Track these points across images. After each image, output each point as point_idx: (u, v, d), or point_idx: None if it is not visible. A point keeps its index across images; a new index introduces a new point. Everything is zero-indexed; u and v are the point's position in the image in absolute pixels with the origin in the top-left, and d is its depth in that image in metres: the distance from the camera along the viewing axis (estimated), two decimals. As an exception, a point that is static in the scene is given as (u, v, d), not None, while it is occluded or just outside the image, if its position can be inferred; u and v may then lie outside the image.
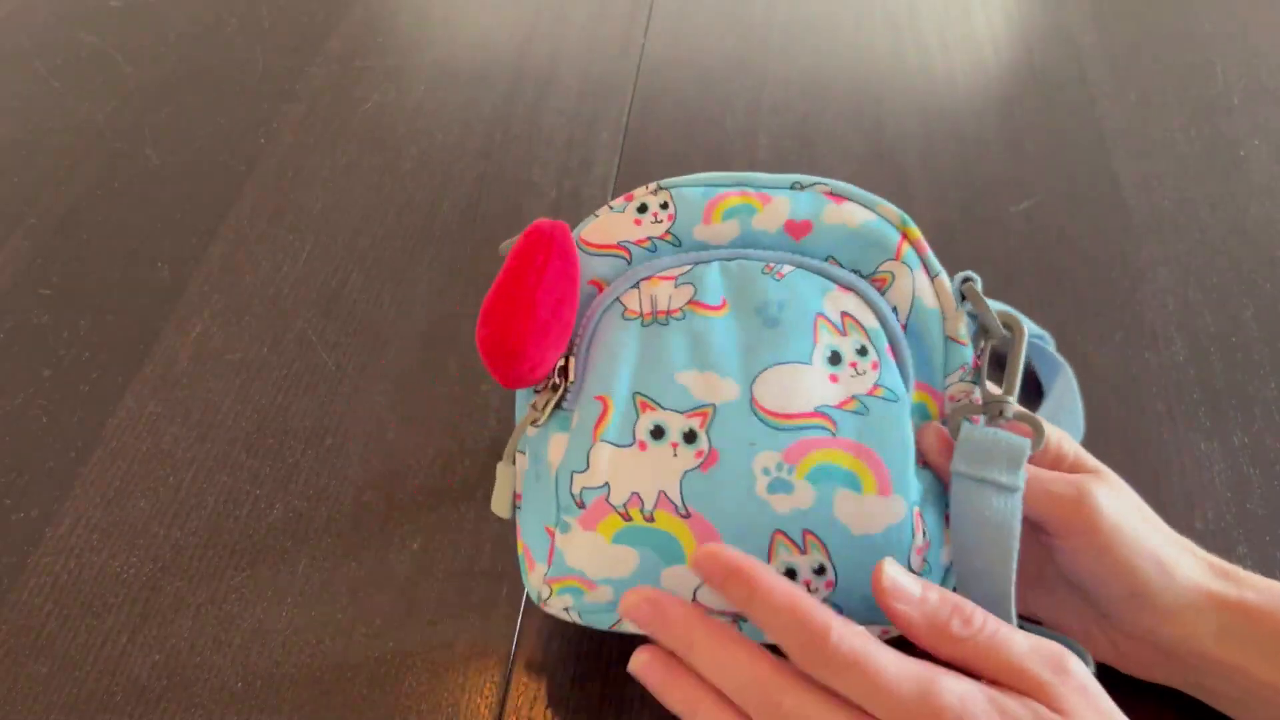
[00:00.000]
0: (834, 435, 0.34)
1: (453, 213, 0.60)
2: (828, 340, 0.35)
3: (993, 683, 0.28)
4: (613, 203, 0.39)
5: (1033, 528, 0.36)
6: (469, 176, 0.63)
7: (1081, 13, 0.76)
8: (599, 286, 0.38)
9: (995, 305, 0.38)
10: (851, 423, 0.34)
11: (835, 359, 0.35)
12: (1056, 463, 0.38)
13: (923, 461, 0.36)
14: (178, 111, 0.68)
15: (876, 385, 0.35)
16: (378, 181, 0.63)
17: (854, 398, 0.34)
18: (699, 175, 0.39)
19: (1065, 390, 0.48)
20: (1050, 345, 0.51)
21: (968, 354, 0.36)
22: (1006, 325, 0.36)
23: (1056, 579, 0.38)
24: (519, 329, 0.34)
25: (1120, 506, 0.35)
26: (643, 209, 0.38)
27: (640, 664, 0.32)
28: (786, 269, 0.36)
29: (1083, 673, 0.29)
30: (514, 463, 0.38)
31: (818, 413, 0.34)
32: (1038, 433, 0.35)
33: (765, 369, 0.35)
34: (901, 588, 0.30)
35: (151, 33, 0.74)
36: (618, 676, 0.40)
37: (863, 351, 0.35)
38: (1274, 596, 0.34)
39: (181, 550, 0.45)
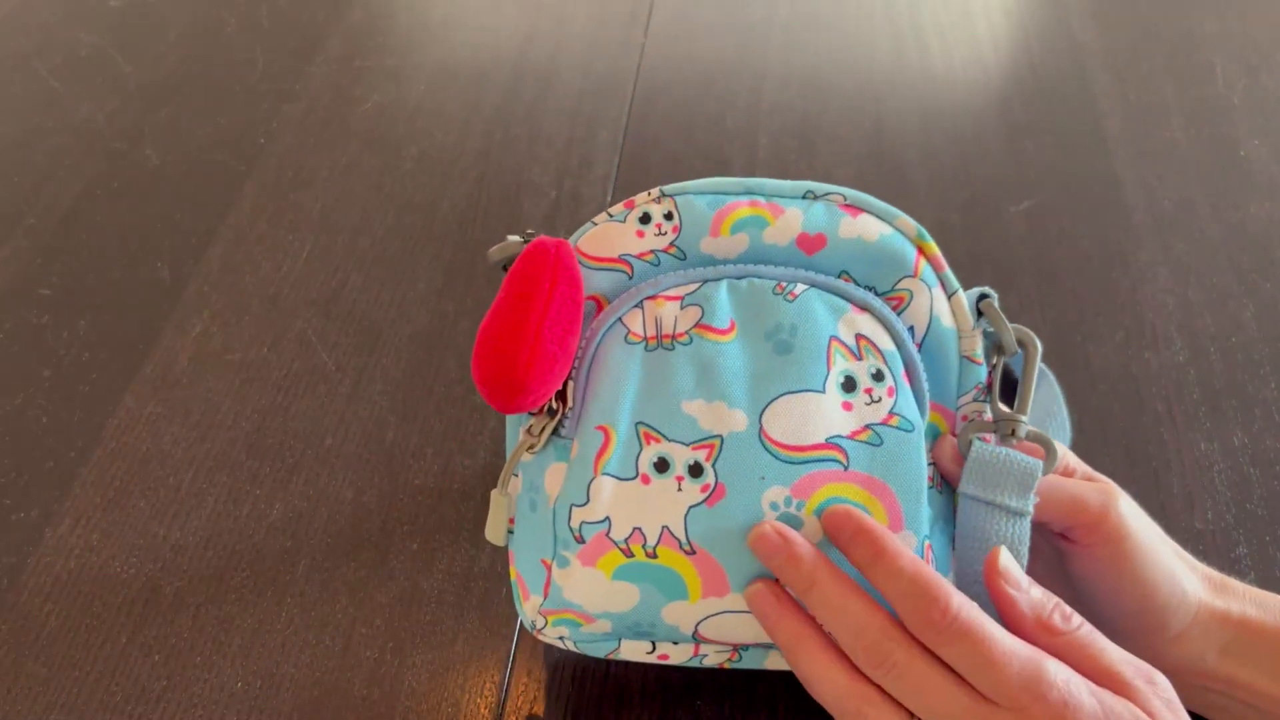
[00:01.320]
0: (845, 469, 0.32)
1: (453, 213, 0.60)
2: (842, 366, 0.34)
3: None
4: (612, 209, 0.36)
5: (1051, 535, 0.36)
6: (469, 176, 0.63)
7: (1081, 13, 0.76)
8: (598, 302, 0.35)
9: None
10: (864, 454, 0.33)
11: (849, 385, 0.33)
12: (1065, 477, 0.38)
13: (939, 483, 0.35)
14: (178, 111, 0.68)
15: (891, 414, 0.33)
16: (378, 181, 0.63)
17: (868, 427, 0.33)
18: (704, 181, 0.36)
19: (1049, 397, 0.47)
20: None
21: (982, 373, 0.35)
22: (1020, 342, 0.35)
23: (1066, 598, 0.38)
24: (524, 363, 0.32)
25: (1140, 516, 0.35)
26: (645, 219, 0.36)
27: (754, 591, 0.32)
28: (799, 288, 0.34)
29: (1168, 687, 0.30)
30: (507, 490, 0.36)
31: (829, 444, 0.33)
32: (1050, 453, 0.34)
33: (775, 399, 0.33)
34: (1014, 573, 0.31)
35: (151, 33, 0.74)
36: (617, 676, 0.40)
37: (878, 376, 0.34)
38: (1270, 610, 0.35)
39: (181, 550, 0.45)
